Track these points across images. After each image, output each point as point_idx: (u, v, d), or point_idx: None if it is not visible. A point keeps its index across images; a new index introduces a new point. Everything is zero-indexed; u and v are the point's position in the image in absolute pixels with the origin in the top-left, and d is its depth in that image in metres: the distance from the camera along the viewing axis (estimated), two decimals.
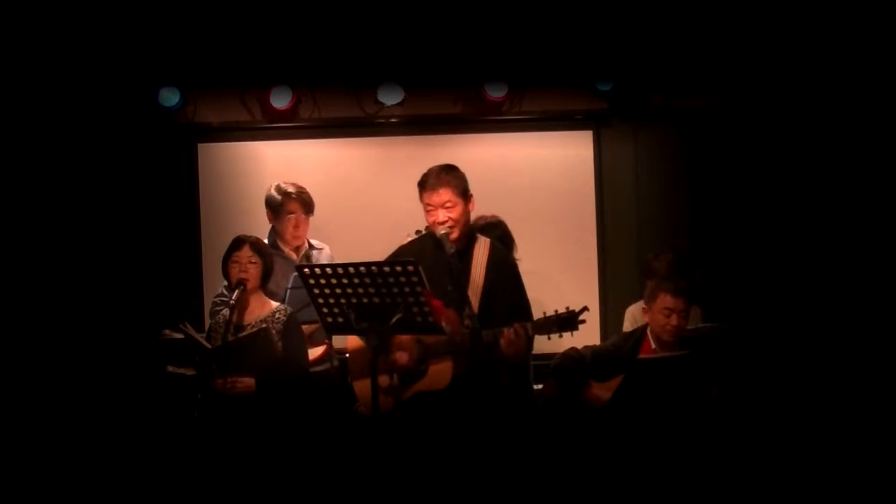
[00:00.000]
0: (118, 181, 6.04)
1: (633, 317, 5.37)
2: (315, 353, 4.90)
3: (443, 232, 4.17)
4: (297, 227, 5.21)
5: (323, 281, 3.79)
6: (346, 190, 6.22)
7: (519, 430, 4.30)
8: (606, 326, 6.10)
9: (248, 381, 4.39)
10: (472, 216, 4.53)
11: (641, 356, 4.39)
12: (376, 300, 3.76)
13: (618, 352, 4.49)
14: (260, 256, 4.52)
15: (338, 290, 3.78)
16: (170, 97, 6.04)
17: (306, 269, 3.83)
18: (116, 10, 5.47)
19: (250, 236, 4.61)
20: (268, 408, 4.39)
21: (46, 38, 5.56)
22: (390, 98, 6.06)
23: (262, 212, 5.32)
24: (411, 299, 3.75)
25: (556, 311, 4.07)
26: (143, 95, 6.01)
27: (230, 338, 4.37)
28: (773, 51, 5.77)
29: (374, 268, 3.73)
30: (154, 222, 6.12)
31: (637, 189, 6.33)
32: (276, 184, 5.29)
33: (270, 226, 5.29)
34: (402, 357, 4.14)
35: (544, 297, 4.12)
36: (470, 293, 4.17)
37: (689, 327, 4.55)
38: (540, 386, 4.75)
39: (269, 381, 4.39)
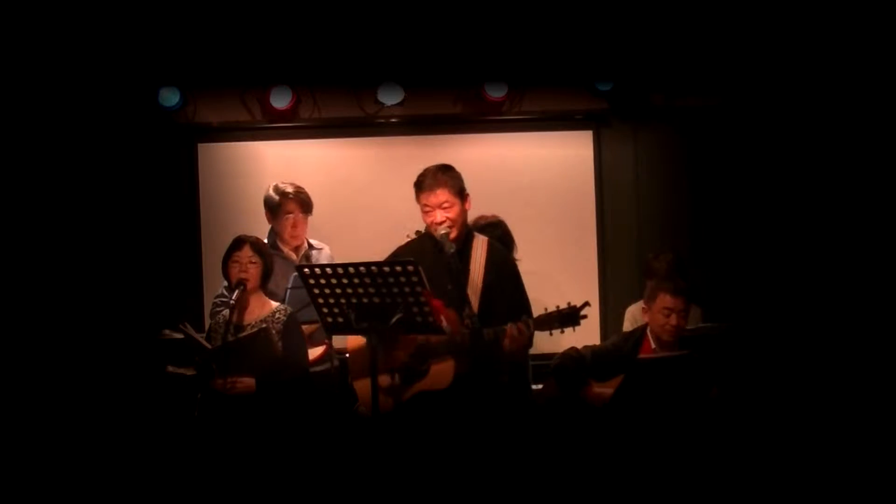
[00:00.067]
0: (118, 181, 6.04)
1: (633, 317, 5.37)
2: (315, 353, 4.90)
3: (443, 232, 4.17)
4: (295, 226, 5.21)
5: (323, 281, 3.79)
6: (346, 190, 6.22)
7: (519, 430, 4.30)
8: (606, 326, 6.10)
9: (248, 381, 4.39)
10: (471, 216, 4.53)
11: (641, 356, 4.39)
12: (376, 300, 3.76)
13: (618, 352, 4.49)
14: (260, 256, 4.52)
15: (338, 290, 3.79)
16: (170, 97, 6.04)
17: (306, 269, 3.83)
18: (117, 10, 5.46)
19: (251, 236, 4.61)
20: (268, 408, 4.39)
21: (46, 39, 5.55)
22: (390, 98, 6.06)
23: (262, 212, 5.32)
24: (411, 299, 3.75)
25: (558, 306, 4.06)
26: (143, 95, 6.01)
27: (230, 338, 4.37)
28: (773, 51, 5.77)
29: (374, 268, 3.73)
30: (154, 222, 6.12)
31: (637, 189, 6.34)
32: (274, 184, 5.29)
33: (270, 226, 5.30)
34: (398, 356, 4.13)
35: (544, 297, 4.11)
36: (469, 292, 4.17)
37: (689, 327, 4.55)
38: (539, 386, 4.75)
39: (269, 381, 4.39)
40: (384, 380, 4.10)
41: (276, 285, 4.82)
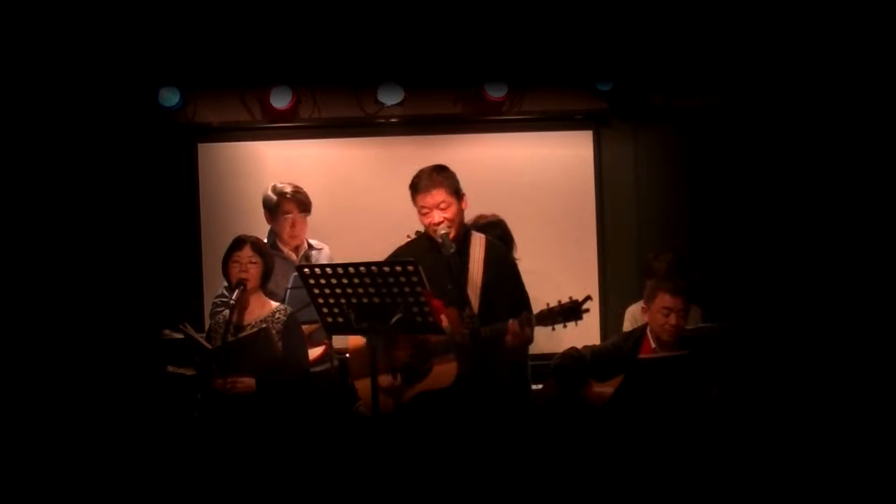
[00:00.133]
0: (118, 181, 6.04)
1: (633, 317, 5.38)
2: (315, 353, 4.90)
3: (443, 232, 4.16)
4: (293, 226, 5.21)
5: (323, 281, 3.79)
6: (346, 190, 6.22)
7: (519, 430, 4.30)
8: (606, 326, 6.10)
9: (248, 381, 4.39)
10: (471, 215, 4.52)
11: (641, 356, 4.39)
12: (376, 300, 3.76)
13: (618, 351, 4.49)
14: (260, 256, 4.52)
15: (338, 290, 3.79)
16: (170, 97, 6.04)
17: (306, 269, 3.83)
18: (117, 10, 5.46)
19: (251, 236, 4.61)
20: (268, 408, 4.39)
21: (47, 39, 5.55)
22: (390, 98, 6.06)
23: (262, 212, 5.32)
24: (411, 299, 3.75)
25: (560, 301, 4.05)
26: (143, 95, 6.01)
27: (230, 338, 4.37)
28: (773, 51, 5.77)
29: (374, 268, 3.73)
30: (154, 222, 6.12)
31: (637, 189, 6.34)
32: (272, 184, 5.30)
33: (270, 227, 5.30)
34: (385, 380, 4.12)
35: (544, 297, 4.11)
36: (469, 291, 4.17)
37: (689, 327, 4.55)
38: (539, 386, 4.75)
39: (269, 381, 4.39)
40: (386, 379, 4.10)
41: (276, 285, 4.82)
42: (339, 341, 4.71)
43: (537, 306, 4.14)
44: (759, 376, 4.71)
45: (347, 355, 4.46)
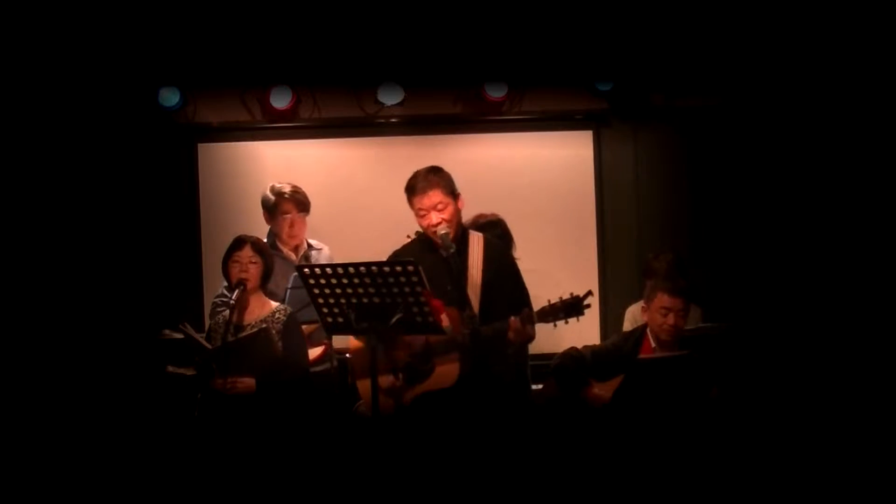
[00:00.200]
0: (118, 181, 6.04)
1: (633, 317, 5.37)
2: (315, 353, 4.90)
3: (443, 233, 4.16)
4: (292, 226, 5.21)
5: (323, 281, 3.79)
6: (346, 190, 6.22)
7: (519, 430, 4.30)
8: (606, 326, 6.09)
9: (248, 381, 4.39)
10: (469, 214, 4.52)
11: (641, 356, 4.39)
12: (376, 300, 3.77)
13: (618, 351, 4.49)
14: (261, 256, 4.52)
15: (338, 290, 3.79)
16: (170, 97, 6.04)
17: (306, 269, 3.84)
18: (117, 10, 5.47)
19: (251, 236, 4.61)
20: (268, 408, 4.39)
21: (47, 39, 5.55)
22: (390, 98, 6.06)
23: (262, 212, 5.32)
24: (411, 299, 3.75)
25: (561, 297, 4.05)
26: (143, 95, 6.01)
27: (230, 338, 4.37)
28: (773, 51, 5.77)
29: (374, 268, 3.74)
30: (154, 222, 6.12)
31: (637, 189, 6.34)
32: (270, 185, 5.30)
33: (269, 227, 5.30)
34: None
35: (544, 297, 4.11)
36: (469, 291, 4.17)
37: (689, 327, 4.55)
38: (539, 386, 4.75)
39: (269, 381, 4.39)
40: (387, 380, 4.10)
41: (276, 285, 4.82)
42: (340, 341, 4.71)
43: (537, 305, 4.14)
44: (758, 376, 4.71)
45: (348, 355, 4.46)
